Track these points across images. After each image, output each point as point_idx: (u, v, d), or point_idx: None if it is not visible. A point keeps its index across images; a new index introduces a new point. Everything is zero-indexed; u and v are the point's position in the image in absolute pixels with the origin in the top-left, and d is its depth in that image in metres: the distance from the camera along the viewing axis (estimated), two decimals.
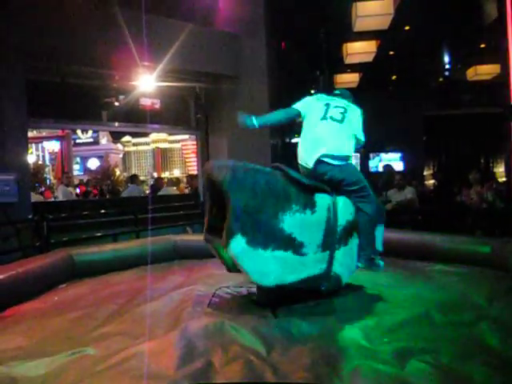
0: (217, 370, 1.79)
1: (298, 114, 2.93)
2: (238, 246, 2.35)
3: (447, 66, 9.59)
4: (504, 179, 9.27)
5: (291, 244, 2.50)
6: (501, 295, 2.71)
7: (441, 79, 11.34)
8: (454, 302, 2.64)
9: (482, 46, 8.83)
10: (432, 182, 10.83)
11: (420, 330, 2.19)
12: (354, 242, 2.77)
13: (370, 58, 8.85)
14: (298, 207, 2.53)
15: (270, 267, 2.44)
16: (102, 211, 5.72)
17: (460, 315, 2.39)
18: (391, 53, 9.74)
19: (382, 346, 1.99)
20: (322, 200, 2.62)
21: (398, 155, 12.14)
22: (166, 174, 15.76)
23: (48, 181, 11.41)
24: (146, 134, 13.55)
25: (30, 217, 4.70)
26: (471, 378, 1.68)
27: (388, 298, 2.74)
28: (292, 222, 2.49)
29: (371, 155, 12.29)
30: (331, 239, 2.62)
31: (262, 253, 2.41)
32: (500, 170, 11.40)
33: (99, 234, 4.83)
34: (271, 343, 2.04)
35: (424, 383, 1.67)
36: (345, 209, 2.70)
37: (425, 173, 12.27)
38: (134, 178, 8.18)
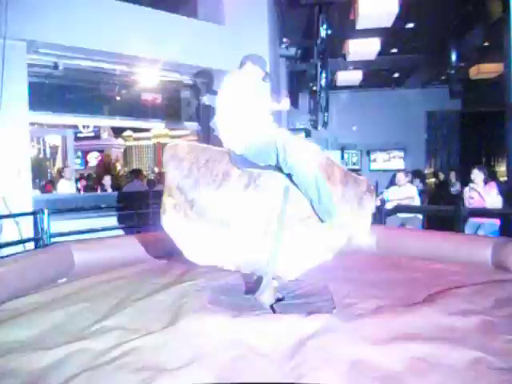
0: (217, 365, 1.80)
1: None
2: (170, 221, 2.45)
3: (450, 64, 9.55)
4: (505, 178, 9.25)
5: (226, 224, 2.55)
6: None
7: (443, 77, 11.29)
8: None
9: (486, 44, 8.78)
10: (433, 180, 10.82)
11: None
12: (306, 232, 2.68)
13: (372, 56, 8.82)
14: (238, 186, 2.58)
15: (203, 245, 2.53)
16: (103, 206, 5.72)
17: None
18: (394, 50, 9.71)
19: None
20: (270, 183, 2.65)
21: (399, 153, 12.12)
22: None
23: (49, 174, 11.39)
24: (147, 129, 13.51)
25: (31, 210, 4.71)
26: None
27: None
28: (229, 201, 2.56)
29: (372, 154, 12.28)
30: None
31: (195, 230, 2.48)
32: (502, 169, 11.37)
33: (100, 229, 4.83)
34: (271, 339, 2.05)
35: None
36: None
37: (426, 171, 12.25)
38: (137, 174, 8.15)
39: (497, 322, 2.19)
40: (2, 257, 3.31)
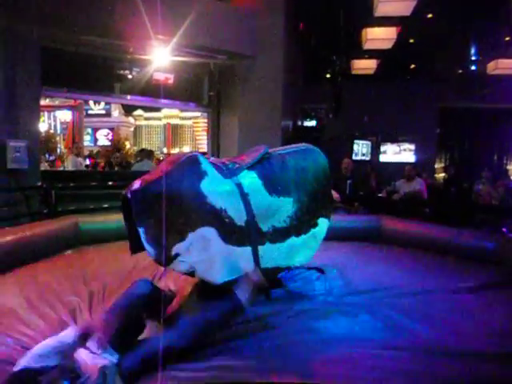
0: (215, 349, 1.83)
1: None
2: None
3: (468, 58, 9.38)
4: None
5: None
6: None
7: (460, 71, 11.09)
8: None
9: (507, 39, 8.60)
10: (442, 175, 10.73)
11: None
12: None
13: (389, 45, 8.66)
14: None
15: None
16: (110, 183, 5.77)
17: None
18: (411, 41, 9.53)
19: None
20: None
21: (409, 146, 11.99)
22: (175, 150, 15.83)
23: (58, 150, 11.47)
24: (157, 109, 13.48)
25: (39, 184, 4.77)
26: None
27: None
28: None
29: (382, 146, 12.16)
30: None
31: None
32: None
33: (106, 206, 4.88)
34: (268, 323, 2.08)
35: None
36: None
37: (436, 166, 12.14)
38: (149, 154, 8.08)
39: None
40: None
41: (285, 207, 2.36)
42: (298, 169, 2.43)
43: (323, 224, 2.54)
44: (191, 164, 2.20)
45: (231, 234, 2.18)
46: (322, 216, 2.53)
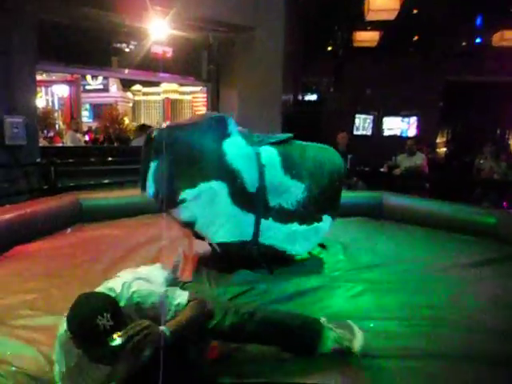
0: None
1: None
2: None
3: (473, 30, 9.13)
4: None
5: None
6: None
7: (464, 43, 10.83)
8: None
9: None
10: (444, 149, 10.66)
11: None
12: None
13: (392, 16, 8.42)
14: None
15: None
16: (110, 159, 5.73)
17: None
18: (415, 11, 9.27)
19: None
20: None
21: (412, 120, 11.83)
22: None
23: (57, 126, 11.35)
24: (156, 84, 13.25)
25: (38, 160, 4.73)
26: None
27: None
28: None
29: (385, 119, 12.00)
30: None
31: None
32: None
33: (106, 181, 4.86)
34: (271, 299, 2.09)
35: None
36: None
37: (438, 140, 12.02)
38: (149, 129, 8.02)
39: None
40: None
41: (295, 191, 2.43)
42: (316, 161, 2.52)
43: (327, 221, 2.61)
44: (220, 122, 2.32)
45: (240, 195, 2.25)
46: (327, 214, 2.61)
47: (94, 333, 1.17)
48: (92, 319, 1.17)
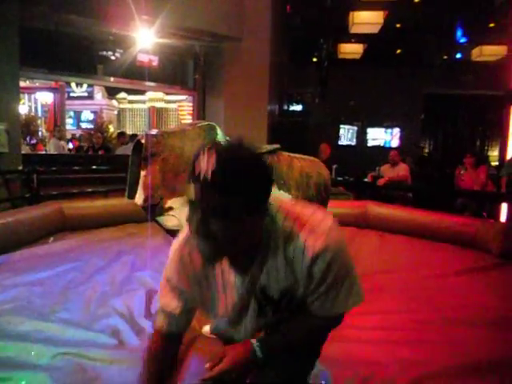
0: None
1: None
2: None
3: (453, 44, 9.40)
4: (497, 163, 9.33)
5: None
6: None
7: (445, 57, 11.13)
8: None
9: (491, 25, 8.63)
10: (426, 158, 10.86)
11: None
12: None
13: (376, 30, 8.62)
14: None
15: None
16: (94, 167, 5.66)
17: None
18: (398, 26, 9.50)
19: None
20: None
21: (395, 131, 12.05)
22: None
23: (40, 133, 11.18)
24: (142, 92, 13.21)
25: (20, 168, 4.65)
26: None
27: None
28: None
29: (369, 130, 12.19)
30: None
31: None
32: (494, 153, 11.43)
33: (90, 190, 4.80)
34: None
35: None
36: None
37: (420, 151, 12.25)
38: (135, 138, 7.95)
39: None
40: None
41: None
42: (303, 172, 2.53)
43: None
44: (209, 130, 2.31)
45: None
46: None
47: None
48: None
